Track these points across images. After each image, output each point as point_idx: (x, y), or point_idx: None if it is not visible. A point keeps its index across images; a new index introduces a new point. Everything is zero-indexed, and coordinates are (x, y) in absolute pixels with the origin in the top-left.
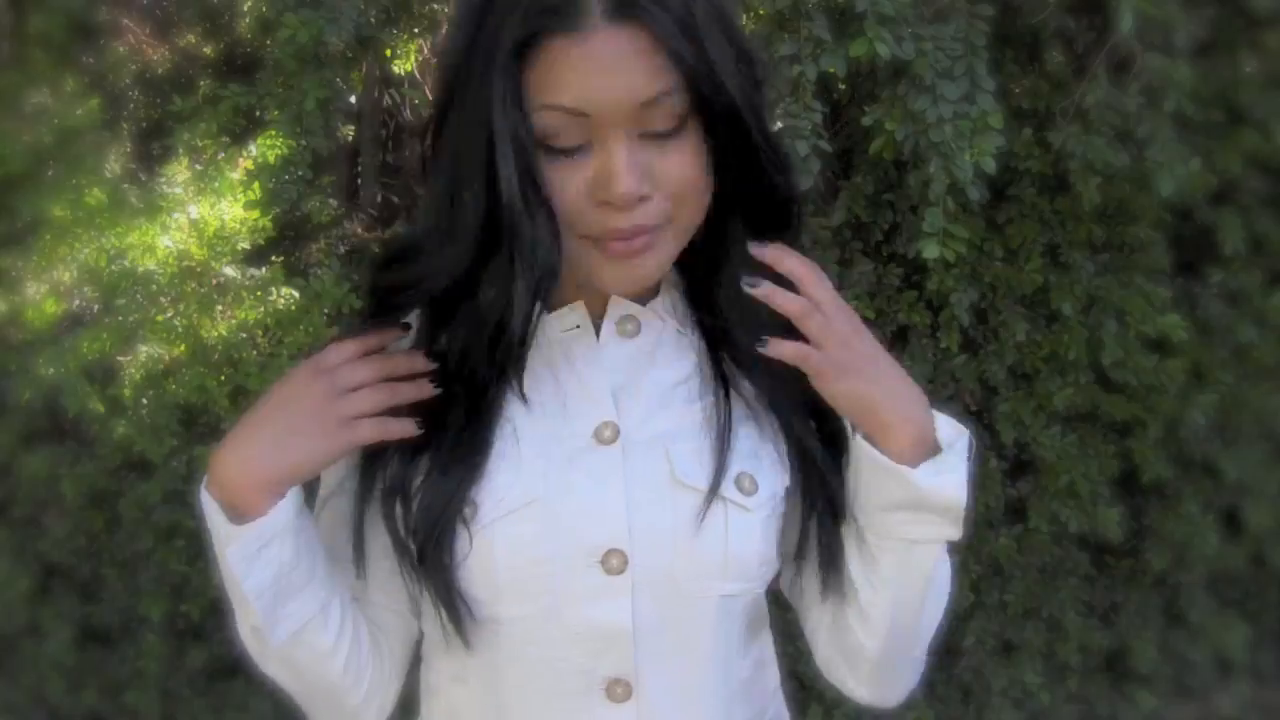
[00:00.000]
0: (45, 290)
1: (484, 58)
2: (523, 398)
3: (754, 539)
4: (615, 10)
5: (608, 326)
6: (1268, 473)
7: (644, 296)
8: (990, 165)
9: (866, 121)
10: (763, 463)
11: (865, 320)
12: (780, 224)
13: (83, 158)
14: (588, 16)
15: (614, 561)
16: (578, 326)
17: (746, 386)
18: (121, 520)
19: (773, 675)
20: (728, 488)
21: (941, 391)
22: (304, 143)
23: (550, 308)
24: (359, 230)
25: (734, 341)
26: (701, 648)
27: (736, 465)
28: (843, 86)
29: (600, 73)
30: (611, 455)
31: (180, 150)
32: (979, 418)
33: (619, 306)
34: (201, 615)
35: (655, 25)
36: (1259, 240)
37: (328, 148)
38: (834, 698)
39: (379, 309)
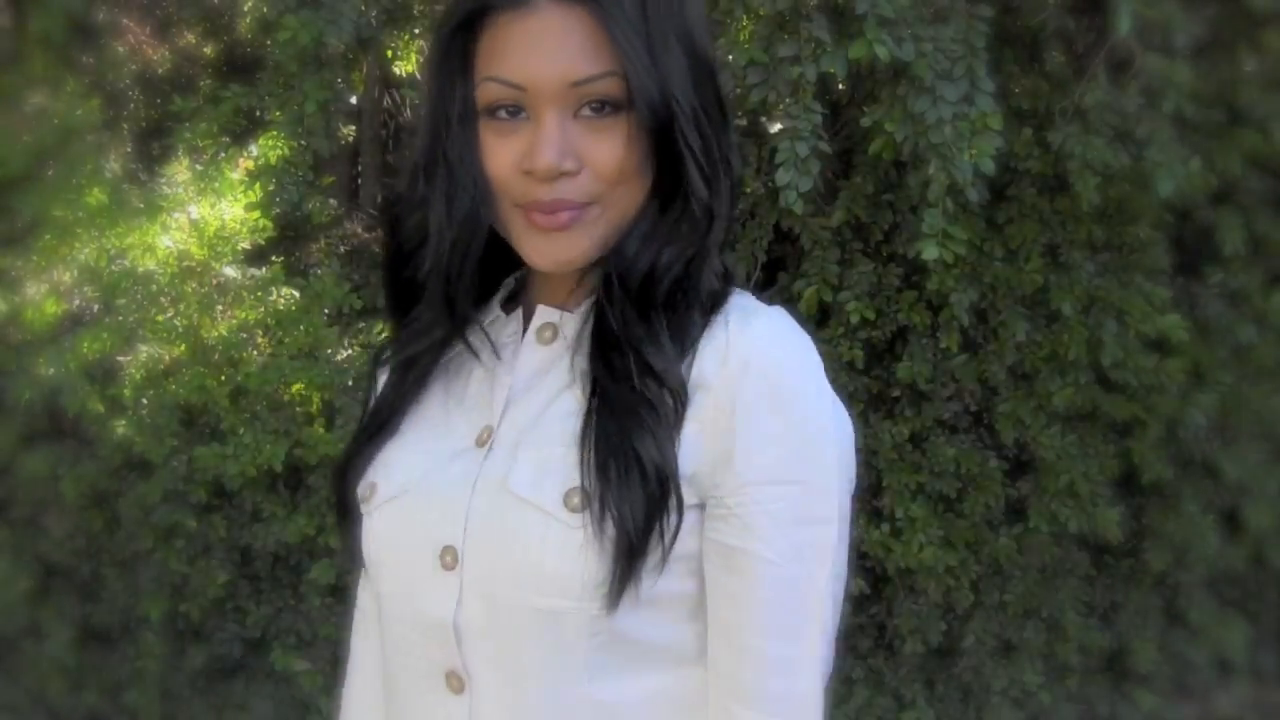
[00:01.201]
0: (45, 290)
1: (442, 30)
2: (490, 358)
3: (572, 557)
4: None
5: (529, 334)
6: (1268, 473)
7: (569, 304)
8: (989, 167)
9: (866, 122)
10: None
11: (865, 321)
12: (691, 233)
13: (83, 158)
14: None
15: (448, 559)
16: (512, 336)
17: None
18: (121, 520)
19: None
20: (551, 501)
21: (941, 391)
22: (305, 143)
23: (509, 312)
24: (359, 230)
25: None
26: (526, 658)
27: (575, 480)
28: (842, 87)
29: (538, 49)
30: (478, 458)
31: (180, 150)
32: (978, 418)
33: (542, 314)
34: (202, 615)
35: (601, 9)
36: (1259, 240)
37: (329, 149)
38: (834, 698)
39: (394, 297)
